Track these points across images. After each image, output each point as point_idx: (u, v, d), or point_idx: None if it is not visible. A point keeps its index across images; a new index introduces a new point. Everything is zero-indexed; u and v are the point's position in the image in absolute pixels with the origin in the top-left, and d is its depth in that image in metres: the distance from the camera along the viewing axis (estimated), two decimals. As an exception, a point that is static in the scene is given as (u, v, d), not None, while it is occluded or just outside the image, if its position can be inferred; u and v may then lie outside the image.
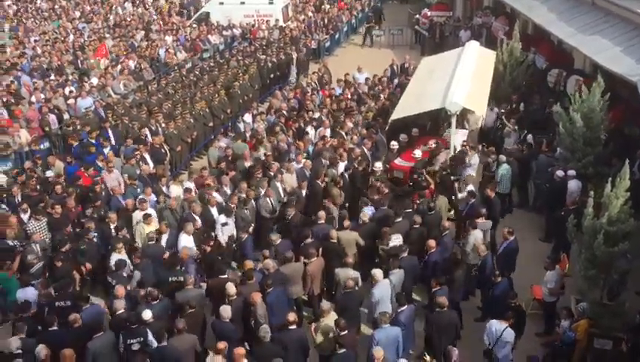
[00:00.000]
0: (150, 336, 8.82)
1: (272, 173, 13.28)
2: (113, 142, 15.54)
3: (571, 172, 12.79)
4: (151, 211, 11.93)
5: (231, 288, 9.40)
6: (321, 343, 8.98)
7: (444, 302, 9.21)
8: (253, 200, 12.43)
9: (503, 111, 16.25)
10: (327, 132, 15.61)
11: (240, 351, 8.22)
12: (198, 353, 9.00)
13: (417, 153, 14.29)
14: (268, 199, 12.54)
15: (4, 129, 15.88)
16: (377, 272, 9.82)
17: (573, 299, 10.42)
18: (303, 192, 13.00)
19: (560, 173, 12.96)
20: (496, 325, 9.02)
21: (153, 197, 12.50)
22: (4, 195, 12.74)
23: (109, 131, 15.85)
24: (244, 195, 12.33)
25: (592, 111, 13.01)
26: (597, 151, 13.07)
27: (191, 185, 13.19)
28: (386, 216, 11.62)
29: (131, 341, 8.78)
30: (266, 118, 17.19)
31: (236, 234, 11.91)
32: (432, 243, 10.67)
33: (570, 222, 10.79)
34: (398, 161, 14.35)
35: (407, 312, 9.28)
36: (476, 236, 10.98)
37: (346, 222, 11.32)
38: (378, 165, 13.62)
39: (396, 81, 20.05)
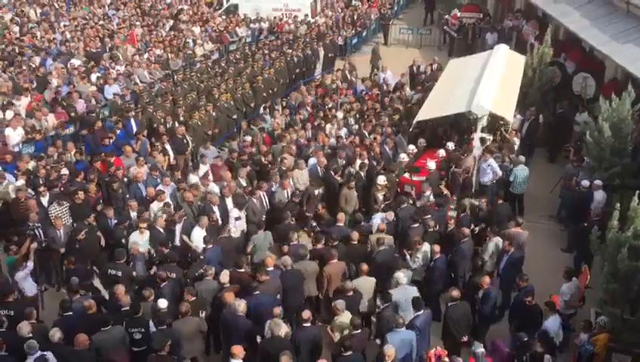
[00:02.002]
0: (152, 326, 8.86)
1: (283, 168, 13.26)
2: (134, 130, 15.57)
3: (598, 182, 12.54)
4: (169, 201, 12.00)
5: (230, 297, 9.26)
6: (339, 341, 8.92)
7: (457, 295, 9.27)
8: (263, 193, 12.44)
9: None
10: (342, 131, 15.51)
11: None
12: (203, 333, 9.12)
13: (431, 165, 13.62)
14: (284, 191, 12.57)
15: (32, 112, 16.07)
16: (400, 275, 9.75)
17: (594, 312, 10.22)
18: (316, 191, 12.89)
19: (585, 182, 12.74)
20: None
21: (172, 186, 12.58)
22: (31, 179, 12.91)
23: (132, 121, 15.90)
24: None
25: (621, 121, 12.76)
26: (624, 162, 12.80)
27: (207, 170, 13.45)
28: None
29: (133, 330, 8.82)
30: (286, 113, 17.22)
31: (246, 227, 11.90)
32: (436, 248, 10.51)
33: (594, 233, 10.57)
34: (408, 175, 13.72)
35: (422, 317, 9.17)
36: (496, 243, 10.80)
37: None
38: (382, 179, 12.87)
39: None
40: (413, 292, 9.62)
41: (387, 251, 10.67)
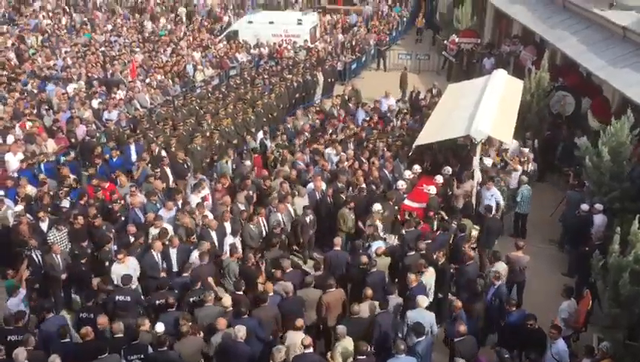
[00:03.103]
0: (150, 352, 8.77)
1: (282, 193, 13.28)
2: (134, 158, 15.55)
3: (598, 206, 12.55)
4: (168, 226, 11.96)
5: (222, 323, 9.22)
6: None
7: (464, 330, 9.15)
8: (262, 219, 12.44)
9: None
10: (335, 158, 15.51)
11: None
12: (205, 354, 9.02)
13: (432, 189, 13.57)
14: (279, 215, 12.56)
15: (33, 138, 16.12)
16: (421, 299, 9.70)
17: (596, 337, 10.13)
18: (308, 219, 12.87)
19: (585, 206, 12.76)
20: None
21: (172, 213, 12.55)
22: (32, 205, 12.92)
23: (131, 147, 15.85)
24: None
25: (620, 146, 12.80)
26: (624, 186, 12.81)
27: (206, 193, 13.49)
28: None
29: (132, 357, 8.72)
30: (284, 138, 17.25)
31: (242, 252, 11.82)
32: (458, 303, 10.05)
33: (595, 258, 10.53)
34: (408, 202, 13.56)
35: (424, 343, 9.09)
36: (499, 268, 10.77)
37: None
38: (377, 207, 12.55)
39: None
40: (429, 317, 9.54)
41: (378, 273, 10.63)
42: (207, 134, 16.93)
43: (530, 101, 17.64)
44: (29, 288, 10.82)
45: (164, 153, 15.49)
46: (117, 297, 10.14)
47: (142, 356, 8.74)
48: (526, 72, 19.49)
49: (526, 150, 15.60)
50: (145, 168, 14.71)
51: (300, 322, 9.24)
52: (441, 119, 15.91)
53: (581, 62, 17.30)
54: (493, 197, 13.13)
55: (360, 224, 12.75)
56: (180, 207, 12.82)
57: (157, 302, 9.91)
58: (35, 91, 20.01)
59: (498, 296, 10.39)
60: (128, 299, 10.08)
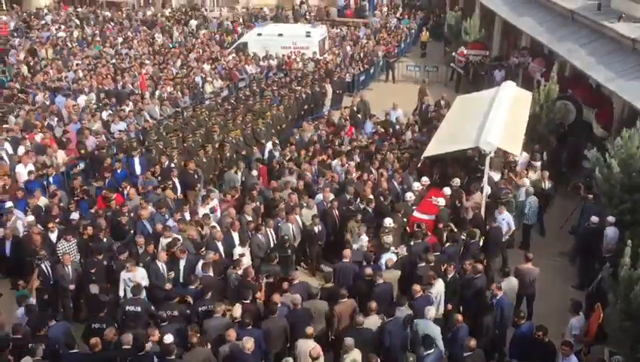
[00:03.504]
0: None
1: (291, 204, 13.29)
2: (139, 171, 15.59)
3: (610, 218, 12.45)
4: (178, 236, 11.99)
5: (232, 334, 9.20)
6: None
7: (474, 345, 9.07)
8: (270, 230, 12.47)
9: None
10: (341, 169, 15.53)
11: None
12: None
13: (440, 201, 13.50)
14: (290, 225, 12.59)
15: (43, 149, 16.25)
16: (429, 310, 9.68)
17: (607, 351, 10.02)
18: (316, 229, 12.88)
19: (595, 218, 12.67)
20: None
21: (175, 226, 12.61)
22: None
23: (136, 160, 15.87)
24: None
25: (630, 158, 12.72)
26: (635, 198, 12.71)
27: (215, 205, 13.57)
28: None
29: None
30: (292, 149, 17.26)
31: (252, 262, 11.85)
32: (459, 317, 9.99)
33: (606, 270, 10.45)
34: (417, 214, 13.52)
35: (433, 356, 9.03)
36: (511, 283, 10.69)
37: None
38: (388, 221, 12.52)
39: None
40: (434, 329, 9.48)
41: (384, 285, 10.58)
42: (217, 146, 17.01)
43: (539, 113, 17.60)
44: (38, 298, 10.85)
45: (173, 164, 15.54)
46: (127, 308, 10.18)
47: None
48: (535, 84, 19.46)
49: (537, 164, 15.46)
50: (150, 179, 14.75)
51: (309, 330, 9.25)
52: (450, 131, 15.90)
53: (591, 74, 17.25)
54: (505, 221, 13.04)
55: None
56: (184, 217, 12.87)
57: (166, 313, 9.90)
58: (47, 103, 20.19)
59: (501, 308, 10.32)
60: (139, 309, 10.11)
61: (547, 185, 14.81)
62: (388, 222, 12.40)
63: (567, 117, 17.85)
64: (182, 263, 11.40)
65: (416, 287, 10.30)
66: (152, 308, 10.35)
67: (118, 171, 15.21)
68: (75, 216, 13.23)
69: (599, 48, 18.14)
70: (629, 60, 16.37)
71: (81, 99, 20.61)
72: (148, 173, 15.07)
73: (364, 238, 12.19)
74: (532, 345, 9.54)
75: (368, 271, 10.77)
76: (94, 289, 10.89)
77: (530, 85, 19.90)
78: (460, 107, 17.99)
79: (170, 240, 11.79)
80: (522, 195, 14.19)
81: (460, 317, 9.91)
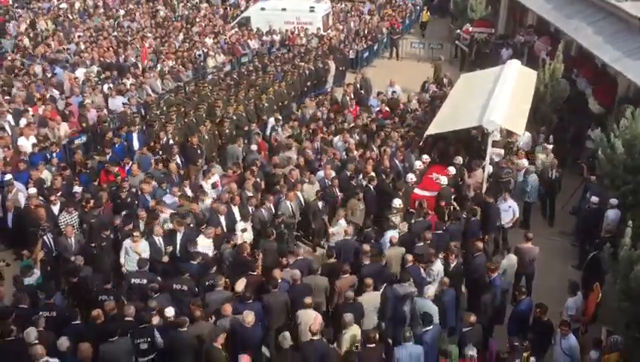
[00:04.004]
0: (157, 335, 8.87)
1: (292, 181, 13.27)
2: (136, 147, 15.48)
3: (613, 201, 12.41)
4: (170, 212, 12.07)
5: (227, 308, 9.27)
6: (345, 354, 8.86)
7: (474, 320, 9.22)
8: (271, 205, 12.49)
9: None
10: (343, 144, 15.49)
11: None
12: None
13: (443, 179, 13.51)
14: (288, 203, 12.57)
15: (46, 121, 16.20)
16: (430, 289, 9.82)
17: (605, 331, 10.08)
18: (320, 205, 12.87)
19: (595, 199, 12.65)
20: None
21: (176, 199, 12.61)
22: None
23: (134, 135, 15.76)
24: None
25: (635, 139, 12.66)
26: (638, 180, 12.68)
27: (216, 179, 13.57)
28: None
29: (139, 341, 8.79)
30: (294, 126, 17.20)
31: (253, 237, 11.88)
32: (409, 257, 10.41)
33: (606, 251, 10.47)
34: (418, 191, 13.55)
35: (431, 332, 9.12)
36: (511, 260, 10.72)
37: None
38: (396, 202, 12.55)
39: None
40: (432, 307, 9.54)
41: (375, 265, 10.66)
42: (217, 121, 16.91)
43: (543, 92, 17.48)
44: (42, 270, 10.91)
45: (171, 141, 15.49)
46: (133, 280, 10.24)
47: (148, 339, 8.79)
48: (540, 63, 19.30)
49: (550, 146, 15.25)
50: (146, 155, 14.69)
51: (308, 300, 9.34)
52: (454, 109, 15.83)
53: (597, 54, 17.10)
54: (511, 208, 12.96)
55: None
56: (184, 192, 12.91)
57: (174, 286, 9.94)
58: (49, 75, 20.08)
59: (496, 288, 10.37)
60: (144, 281, 10.14)
61: (554, 174, 14.40)
62: (397, 202, 12.43)
63: (562, 93, 17.72)
64: (178, 236, 11.40)
65: (409, 256, 10.42)
66: (159, 278, 10.38)
67: (117, 146, 15.17)
68: (77, 189, 13.24)
69: (606, 27, 17.94)
70: (636, 39, 16.19)
71: (80, 72, 20.44)
72: (144, 149, 14.99)
73: (342, 223, 12.05)
74: (531, 322, 9.63)
75: (366, 247, 10.80)
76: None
77: (536, 64, 19.75)
78: (464, 85, 17.90)
79: (167, 215, 11.79)
80: (521, 176, 14.15)
81: (446, 279, 10.09)
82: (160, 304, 9.30)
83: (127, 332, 8.83)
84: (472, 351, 8.70)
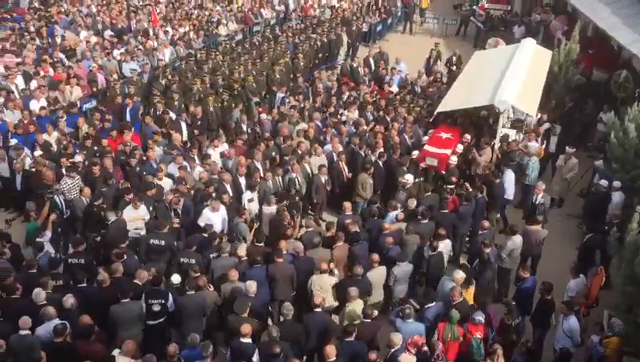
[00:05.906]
0: (170, 299, 8.95)
1: (300, 153, 13.23)
2: (128, 118, 15.27)
3: (616, 183, 12.35)
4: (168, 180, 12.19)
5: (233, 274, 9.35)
6: (344, 326, 8.93)
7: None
8: (279, 178, 12.53)
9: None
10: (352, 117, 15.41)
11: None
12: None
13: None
14: (294, 175, 12.56)
15: (56, 84, 16.17)
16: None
17: (607, 314, 10.10)
18: (323, 178, 12.86)
19: (604, 182, 12.57)
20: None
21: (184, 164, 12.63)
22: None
23: (127, 108, 15.49)
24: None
25: (647, 123, 12.51)
26: (648, 165, 12.58)
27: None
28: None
29: (153, 301, 8.88)
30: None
31: (259, 207, 11.90)
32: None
33: (613, 235, 10.43)
34: (429, 148, 13.58)
35: (434, 309, 9.18)
36: (515, 242, 10.73)
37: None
38: (408, 177, 12.57)
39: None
40: None
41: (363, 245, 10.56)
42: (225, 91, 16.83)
43: (557, 72, 17.24)
44: (53, 232, 10.99)
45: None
46: (151, 241, 10.28)
47: (162, 301, 8.88)
48: (555, 42, 19.01)
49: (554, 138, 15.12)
50: (150, 124, 14.67)
51: (324, 265, 9.47)
52: (466, 86, 15.66)
53: (613, 36, 16.81)
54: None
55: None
56: (185, 166, 12.77)
57: (181, 260, 9.99)
58: (59, 40, 19.97)
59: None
60: (162, 243, 10.22)
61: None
62: (409, 177, 12.44)
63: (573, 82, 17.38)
64: (179, 209, 11.38)
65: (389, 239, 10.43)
66: (175, 243, 10.47)
67: (128, 108, 15.12)
68: (78, 158, 13.14)
69: (624, 9, 17.62)
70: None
71: (82, 35, 20.20)
72: (147, 118, 14.96)
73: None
74: (534, 300, 9.70)
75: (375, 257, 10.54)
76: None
77: (551, 43, 19.46)
78: (477, 63, 17.68)
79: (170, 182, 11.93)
80: (525, 158, 14.04)
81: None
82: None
83: (139, 294, 8.93)
84: (479, 316, 8.75)
